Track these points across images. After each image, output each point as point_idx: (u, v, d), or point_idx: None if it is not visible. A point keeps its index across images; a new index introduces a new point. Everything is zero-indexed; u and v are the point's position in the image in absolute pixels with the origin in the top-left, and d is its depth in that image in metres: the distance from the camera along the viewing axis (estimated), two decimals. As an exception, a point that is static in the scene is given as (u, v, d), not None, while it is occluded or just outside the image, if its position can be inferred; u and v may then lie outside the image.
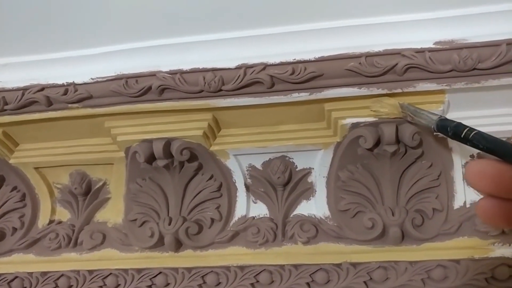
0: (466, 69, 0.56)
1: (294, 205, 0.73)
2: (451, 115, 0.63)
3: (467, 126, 0.34)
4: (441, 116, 0.53)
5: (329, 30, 0.60)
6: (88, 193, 0.80)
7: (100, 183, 0.80)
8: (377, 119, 0.62)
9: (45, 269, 0.74)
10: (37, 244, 0.78)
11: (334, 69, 0.59)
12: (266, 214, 0.73)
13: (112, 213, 0.78)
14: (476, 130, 0.33)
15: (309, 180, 0.72)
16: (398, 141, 0.63)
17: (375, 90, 0.60)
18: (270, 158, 0.72)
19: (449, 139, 0.65)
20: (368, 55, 0.58)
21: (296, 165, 0.72)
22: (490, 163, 0.30)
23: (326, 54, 0.59)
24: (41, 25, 0.65)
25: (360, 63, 0.58)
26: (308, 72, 0.59)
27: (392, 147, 0.63)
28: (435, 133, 0.58)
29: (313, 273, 0.66)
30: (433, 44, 0.57)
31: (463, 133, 0.32)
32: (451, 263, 0.63)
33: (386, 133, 0.62)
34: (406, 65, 0.58)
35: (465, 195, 0.67)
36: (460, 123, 0.37)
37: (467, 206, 0.66)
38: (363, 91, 0.60)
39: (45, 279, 0.74)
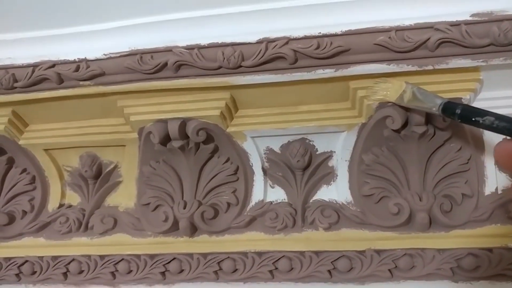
0: (507, 43, 0.52)
1: (314, 190, 0.70)
2: (485, 95, 0.60)
3: (476, 109, 0.32)
4: (444, 99, 0.52)
5: (357, 2, 0.56)
6: (98, 176, 0.77)
7: (111, 166, 0.77)
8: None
9: (56, 253, 0.72)
10: (47, 228, 0.75)
11: (362, 43, 0.56)
12: (284, 199, 0.70)
13: (123, 197, 0.76)
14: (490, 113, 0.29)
15: (330, 164, 0.69)
16: (427, 122, 0.60)
17: (404, 67, 0.57)
18: (289, 141, 0.69)
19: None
20: (399, 29, 0.55)
21: (317, 148, 0.69)
22: None
23: (353, 27, 0.55)
24: (52, -1, 0.62)
25: (389, 37, 0.55)
26: (334, 47, 0.55)
27: (421, 128, 0.60)
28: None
29: (335, 260, 0.63)
30: (470, 16, 0.53)
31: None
32: (483, 251, 0.60)
33: (416, 113, 0.58)
34: (439, 40, 0.54)
35: (497, 180, 0.63)
36: (466, 106, 0.34)
37: (499, 192, 0.63)
38: (392, 67, 0.57)
39: (56, 263, 0.72)
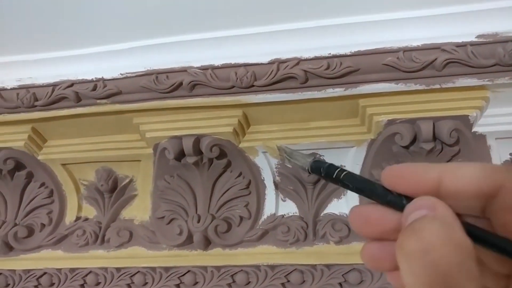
0: (511, 63, 0.53)
1: (324, 203, 0.71)
2: (491, 112, 0.62)
3: (338, 167, 0.32)
4: (315, 157, 0.46)
5: (366, 24, 0.58)
6: (114, 190, 0.79)
7: (127, 180, 0.79)
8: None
9: (74, 266, 0.74)
10: (65, 241, 0.78)
11: (371, 63, 0.57)
12: (296, 213, 0.72)
13: (138, 211, 0.78)
14: (346, 171, 0.31)
15: (341, 178, 0.71)
16: (435, 138, 0.61)
17: (412, 86, 0.59)
18: (300, 156, 0.71)
19: (488, 136, 0.63)
20: (406, 50, 0.57)
21: (327, 163, 0.70)
22: (374, 207, 0.27)
23: (362, 48, 0.57)
24: (70, 21, 0.64)
25: (398, 57, 0.57)
26: (344, 67, 0.57)
27: (429, 145, 0.61)
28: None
29: (345, 273, 0.65)
30: (476, 37, 0.55)
31: (335, 174, 0.31)
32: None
33: (423, 130, 0.60)
34: (446, 60, 0.56)
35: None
36: (331, 164, 0.34)
37: None
38: (400, 86, 0.59)
39: (74, 276, 0.74)
